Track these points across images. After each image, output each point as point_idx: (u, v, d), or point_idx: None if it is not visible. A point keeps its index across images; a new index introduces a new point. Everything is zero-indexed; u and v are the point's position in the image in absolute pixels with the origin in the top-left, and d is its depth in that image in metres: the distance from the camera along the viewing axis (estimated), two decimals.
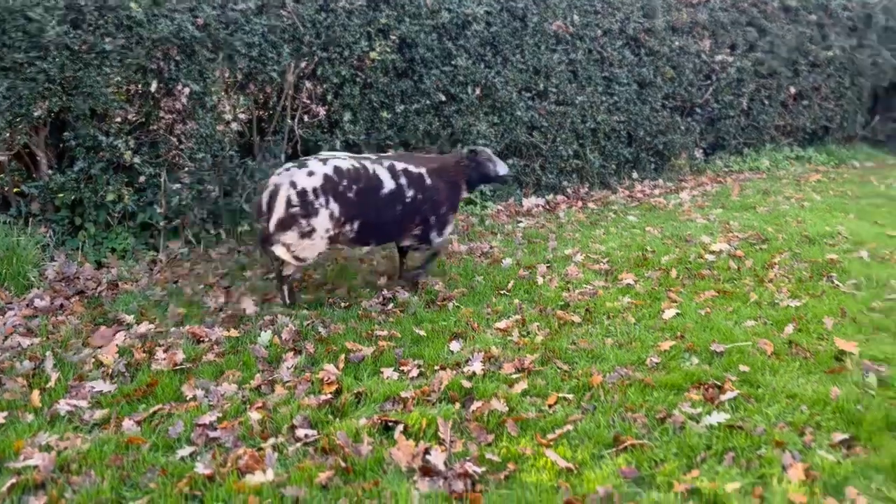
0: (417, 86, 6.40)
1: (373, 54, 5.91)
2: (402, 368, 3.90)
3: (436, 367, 3.89)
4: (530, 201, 7.22)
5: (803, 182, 8.24)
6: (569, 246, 6.02)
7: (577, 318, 4.55)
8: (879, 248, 5.89)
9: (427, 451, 3.11)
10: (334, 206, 4.42)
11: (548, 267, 5.49)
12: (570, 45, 7.31)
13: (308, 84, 5.85)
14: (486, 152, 5.08)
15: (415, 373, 3.84)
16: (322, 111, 5.89)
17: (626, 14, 7.66)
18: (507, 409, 3.47)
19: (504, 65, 6.86)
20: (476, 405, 3.52)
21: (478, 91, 6.73)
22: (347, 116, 5.99)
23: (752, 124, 8.87)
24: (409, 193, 4.69)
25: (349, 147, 5.98)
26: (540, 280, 5.20)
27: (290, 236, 4.40)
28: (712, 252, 5.83)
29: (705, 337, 4.28)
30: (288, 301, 4.70)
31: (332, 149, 5.79)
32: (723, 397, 3.61)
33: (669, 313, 4.61)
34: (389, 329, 4.35)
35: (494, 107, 6.87)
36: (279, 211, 4.36)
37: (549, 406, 3.58)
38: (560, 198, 7.50)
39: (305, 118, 5.92)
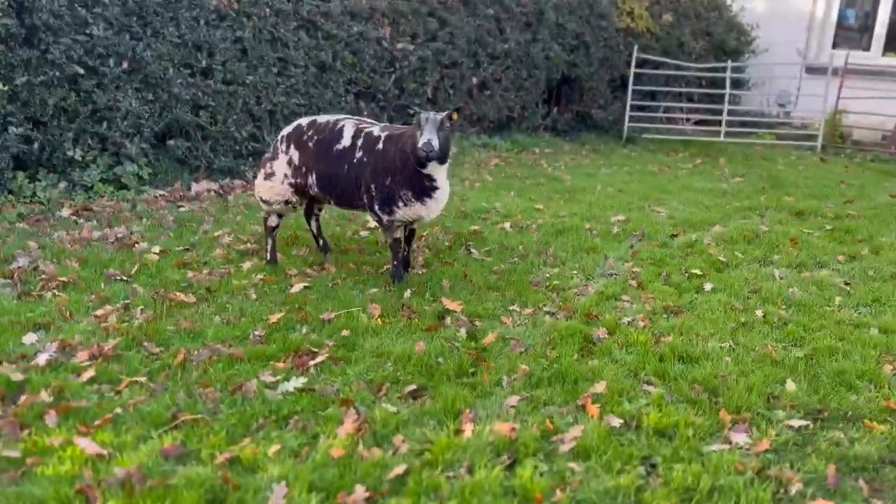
0: (45, 56, 5.66)
1: None
2: None
3: None
4: (201, 186, 6.78)
5: (482, 166, 8.72)
6: (224, 227, 5.69)
7: (192, 299, 4.23)
8: (523, 220, 6.32)
9: None
10: (294, 153, 4.60)
11: (187, 249, 5.11)
12: (237, 22, 6.98)
13: None
14: (424, 115, 3.98)
15: None
16: None
17: None
18: (51, 399, 3.05)
19: (155, 38, 6.34)
20: (22, 399, 3.06)
21: (124, 64, 6.14)
22: None
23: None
24: (358, 155, 4.38)
25: None
26: (156, 259, 4.81)
27: (258, 178, 4.80)
28: (368, 229, 5.85)
29: (324, 306, 4.20)
30: (268, 258, 4.87)
31: None
32: (311, 363, 3.51)
33: (297, 288, 4.47)
34: None
35: (147, 82, 6.33)
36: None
37: (117, 392, 3.22)
38: (238, 182, 7.14)
39: None
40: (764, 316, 4.32)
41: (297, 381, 3.31)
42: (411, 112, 4.16)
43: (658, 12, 11.80)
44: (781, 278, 5.02)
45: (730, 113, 11.47)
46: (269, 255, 4.90)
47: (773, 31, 12.84)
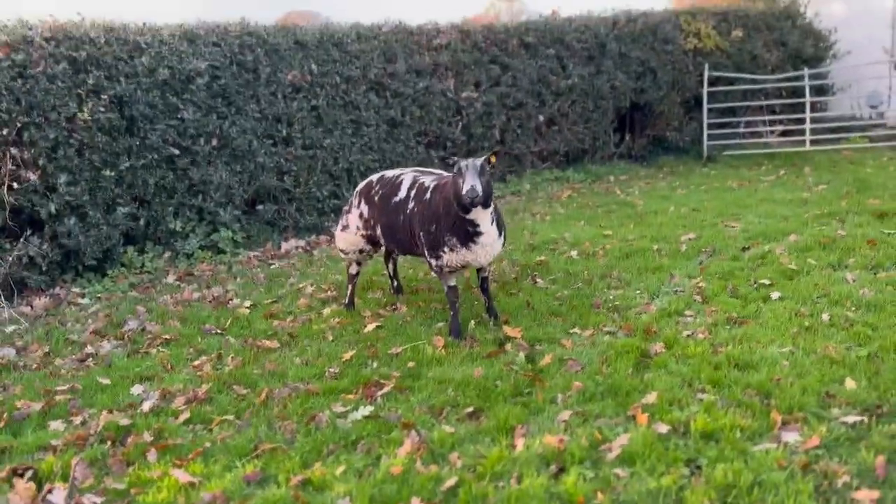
0: (144, 142, 6.42)
1: (80, 115, 5.89)
2: (70, 419, 3.81)
3: (104, 411, 3.83)
4: (289, 244, 7.34)
5: (554, 199, 8.91)
6: (309, 279, 6.16)
7: (276, 344, 4.65)
8: (591, 247, 6.44)
9: (50, 492, 3.08)
10: (364, 208, 5.02)
11: (274, 302, 5.58)
12: (311, 92, 7.60)
13: (13, 150, 5.73)
14: (462, 163, 4.13)
15: (78, 421, 3.77)
16: (32, 175, 5.77)
17: (366, 62, 8.09)
18: (152, 439, 3.48)
19: (239, 115, 7.02)
20: (129, 440, 3.51)
21: (214, 142, 6.83)
22: (63, 178, 5.91)
23: (508, 153, 9.51)
24: (411, 205, 4.67)
25: None
26: (247, 313, 5.29)
27: (337, 230, 5.32)
28: None
29: (393, 342, 4.51)
30: (347, 302, 5.29)
31: None
32: (378, 393, 3.80)
33: (370, 327, 4.82)
34: (71, 382, 4.25)
35: (235, 155, 7.00)
36: None
37: (209, 430, 3.62)
38: (322, 237, 7.67)
39: (15, 185, 5.77)
40: (830, 319, 4.26)
41: (365, 410, 3.61)
42: (451, 162, 4.34)
43: (727, 29, 11.71)
44: (853, 281, 4.90)
45: (817, 120, 11.15)
46: (348, 299, 5.28)
47: (854, 33, 12.42)
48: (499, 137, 9.31)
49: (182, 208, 6.75)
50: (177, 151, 6.62)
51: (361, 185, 5.20)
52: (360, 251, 5.14)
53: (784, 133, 12.29)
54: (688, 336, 4.24)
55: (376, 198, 4.93)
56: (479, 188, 4.05)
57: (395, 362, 4.23)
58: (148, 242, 6.62)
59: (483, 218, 4.33)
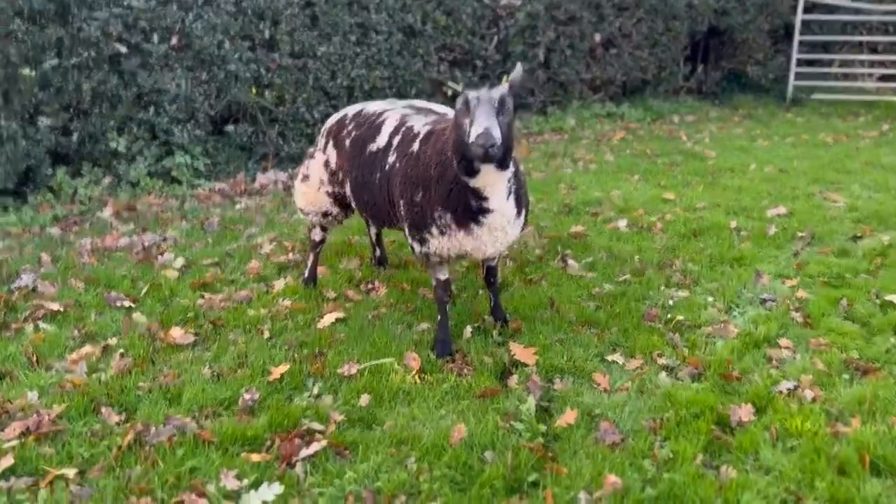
0: (78, 34, 4.96)
1: None
2: None
3: None
4: (267, 177, 5.93)
5: (604, 142, 7.28)
6: (273, 231, 4.77)
7: (189, 339, 3.30)
8: (646, 216, 4.91)
9: None
10: (331, 153, 3.56)
11: (216, 263, 4.22)
12: None
13: None
14: (471, 95, 2.63)
15: None
16: None
17: None
18: None
19: (206, 5, 5.48)
20: None
21: (172, 40, 5.34)
22: None
23: (553, 78, 7.82)
24: (390, 159, 3.15)
25: None
26: (175, 277, 3.95)
27: (296, 179, 3.84)
28: None
29: (350, 351, 3.13)
30: (306, 276, 3.90)
31: None
32: (302, 454, 2.45)
33: (327, 320, 3.44)
34: None
35: (198, 59, 5.50)
36: None
37: (32, 493, 2.33)
38: None
39: None
40: None
41: (270, 492, 2.27)
42: (450, 93, 2.79)
43: None
44: None
45: None
46: (307, 273, 3.90)
47: None
48: (542, 59, 7.60)
49: (128, 123, 5.34)
50: (123, 49, 5.16)
51: (332, 120, 3.72)
52: (325, 214, 3.71)
53: (883, 77, 10.29)
54: (788, 393, 2.78)
55: (347, 141, 3.44)
56: (495, 133, 2.52)
57: (345, 390, 2.86)
58: (84, 164, 5.26)
59: (495, 185, 2.79)
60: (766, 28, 9.43)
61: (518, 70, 2.80)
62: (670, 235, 4.54)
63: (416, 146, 3.03)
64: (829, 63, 10.30)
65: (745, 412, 2.63)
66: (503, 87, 2.68)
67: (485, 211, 2.82)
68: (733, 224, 4.69)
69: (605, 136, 7.51)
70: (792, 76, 9.42)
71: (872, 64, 10.48)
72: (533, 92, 7.14)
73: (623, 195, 5.39)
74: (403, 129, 3.18)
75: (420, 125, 3.14)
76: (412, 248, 3.09)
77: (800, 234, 4.50)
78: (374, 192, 3.24)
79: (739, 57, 9.52)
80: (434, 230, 2.91)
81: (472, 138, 2.55)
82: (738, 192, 5.43)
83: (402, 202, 3.02)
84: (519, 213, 2.95)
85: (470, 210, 2.82)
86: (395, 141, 3.16)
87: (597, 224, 4.77)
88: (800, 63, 9.52)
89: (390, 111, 3.40)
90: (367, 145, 3.29)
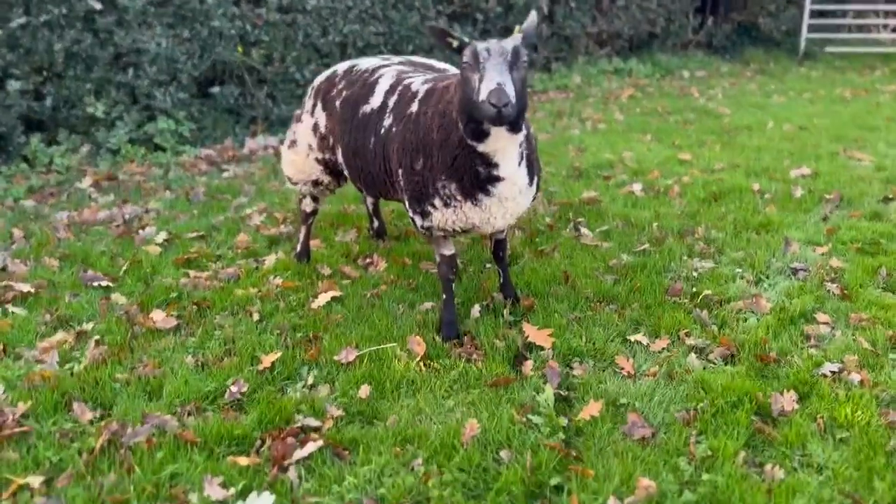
0: None
1: None
2: None
3: None
4: (256, 142, 5.59)
5: (612, 100, 6.91)
6: (263, 201, 4.46)
7: (171, 323, 3.02)
8: (661, 179, 4.60)
9: None
10: (320, 116, 3.21)
11: (202, 236, 3.92)
12: None
13: None
14: (480, 47, 2.31)
15: None
16: None
17: None
18: None
19: None
20: None
21: None
22: None
23: (557, 33, 7.41)
24: (387, 122, 2.82)
25: None
26: (157, 253, 3.66)
27: (283, 145, 3.49)
28: None
29: (348, 335, 2.86)
30: (298, 250, 3.59)
31: None
32: (296, 456, 2.19)
33: (322, 299, 3.15)
34: None
35: (180, 16, 5.12)
36: None
37: (2, 500, 2.08)
38: None
39: None
40: None
41: (260, 502, 2.01)
42: (455, 44, 2.43)
43: None
44: None
45: None
46: (300, 247, 3.60)
47: None
48: (546, 11, 7.19)
49: (105, 86, 4.98)
50: (97, 5, 4.77)
51: (320, 78, 3.36)
52: (315, 183, 3.39)
53: None
54: (833, 375, 2.51)
55: (338, 102, 3.11)
56: (509, 90, 2.21)
57: (343, 380, 2.59)
58: (60, 131, 4.91)
59: (507, 150, 2.47)
60: None
61: (532, 18, 2.46)
62: (689, 200, 4.24)
63: (415, 107, 2.70)
64: (843, 14, 9.87)
65: (787, 400, 2.36)
66: (516, 38, 2.35)
67: (494, 179, 2.51)
68: (756, 186, 4.39)
69: (614, 93, 7.14)
70: (805, 28, 9.01)
71: (888, 14, 10.06)
72: (536, 47, 6.73)
73: (636, 157, 5.07)
74: (400, 87, 2.85)
75: (419, 83, 2.81)
76: (413, 221, 2.78)
77: (827, 197, 4.20)
78: (368, 160, 2.92)
79: (751, 8, 9.09)
80: (437, 202, 2.60)
81: (482, 96, 2.23)
82: (757, 152, 5.12)
83: (400, 171, 2.70)
84: (531, 180, 2.64)
85: (477, 178, 2.51)
86: (392, 101, 2.83)
87: (610, 189, 4.47)
88: (813, 14, 9.10)
89: (385, 68, 3.07)
90: (360, 106, 2.96)
